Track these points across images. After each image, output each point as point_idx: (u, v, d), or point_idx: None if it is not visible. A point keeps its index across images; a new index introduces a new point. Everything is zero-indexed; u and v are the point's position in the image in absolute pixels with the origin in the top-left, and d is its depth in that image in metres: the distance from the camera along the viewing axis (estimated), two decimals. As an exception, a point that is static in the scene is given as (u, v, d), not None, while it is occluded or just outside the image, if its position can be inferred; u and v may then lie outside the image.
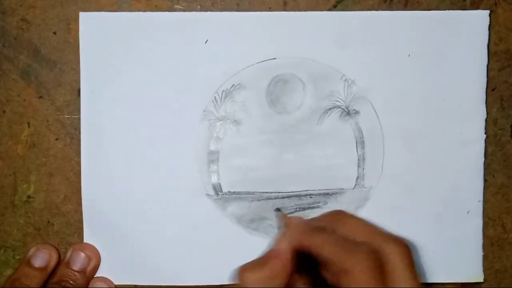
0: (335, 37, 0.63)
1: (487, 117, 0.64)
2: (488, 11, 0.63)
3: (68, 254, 0.63)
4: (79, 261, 0.62)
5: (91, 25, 0.62)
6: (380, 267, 0.49)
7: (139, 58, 0.62)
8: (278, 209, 0.64)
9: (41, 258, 0.62)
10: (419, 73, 0.63)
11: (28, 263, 0.62)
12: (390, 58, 0.63)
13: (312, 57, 0.63)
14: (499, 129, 0.65)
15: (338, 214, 0.55)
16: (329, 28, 0.62)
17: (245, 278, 0.51)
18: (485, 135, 0.64)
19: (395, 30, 0.63)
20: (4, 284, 0.62)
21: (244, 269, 0.52)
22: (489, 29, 0.63)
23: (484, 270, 0.65)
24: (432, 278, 0.64)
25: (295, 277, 0.53)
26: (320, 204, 0.64)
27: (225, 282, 0.64)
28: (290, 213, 0.64)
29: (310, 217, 0.57)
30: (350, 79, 0.63)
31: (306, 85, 0.63)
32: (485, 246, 0.65)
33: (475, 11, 0.63)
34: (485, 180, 0.65)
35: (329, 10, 0.63)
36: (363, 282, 0.48)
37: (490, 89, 0.64)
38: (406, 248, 0.51)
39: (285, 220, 0.56)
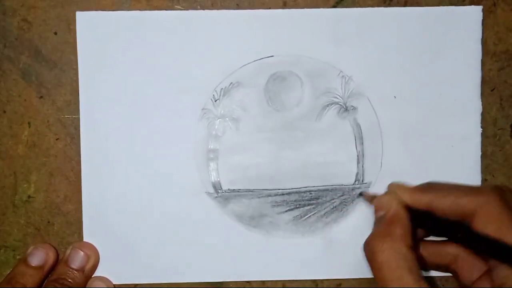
0: (332, 34, 0.63)
1: (487, 116, 0.64)
2: (481, 7, 0.63)
3: (67, 252, 0.63)
4: (78, 259, 0.62)
5: (88, 24, 0.62)
6: (506, 203, 0.51)
7: (137, 57, 0.63)
8: (362, 193, 0.64)
9: (38, 257, 0.62)
10: (415, 68, 0.63)
11: (25, 262, 0.62)
12: (387, 54, 0.63)
13: (309, 54, 0.63)
14: (498, 129, 0.65)
15: (430, 183, 0.59)
16: (326, 25, 0.63)
17: (379, 250, 0.51)
18: (481, 130, 0.64)
19: (391, 27, 0.63)
20: (1, 282, 0.61)
21: (373, 240, 0.52)
22: (483, 24, 0.63)
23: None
24: (432, 273, 0.64)
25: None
26: (320, 201, 0.64)
27: (225, 279, 0.64)
28: (290, 209, 0.64)
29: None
30: (347, 75, 0.63)
31: (304, 82, 0.63)
32: (485, 246, 0.65)
33: (468, 7, 0.63)
34: (484, 180, 0.65)
35: (328, 9, 0.63)
36: (495, 217, 0.50)
37: (490, 89, 0.64)
38: None
39: (391, 185, 0.59)
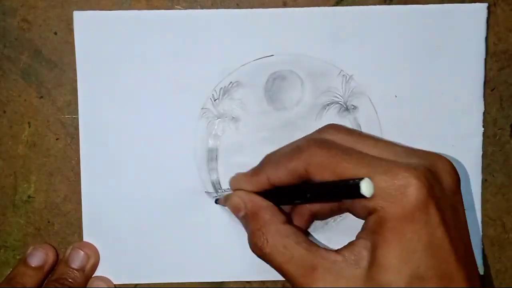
0: (333, 33, 0.63)
1: (487, 116, 0.64)
2: (486, 4, 0.63)
3: (67, 252, 0.63)
4: (78, 259, 0.62)
5: (86, 24, 0.62)
6: (327, 146, 0.49)
7: (136, 56, 0.63)
8: (216, 201, 0.63)
9: (38, 257, 0.62)
10: (417, 67, 0.63)
11: (25, 262, 0.62)
12: (388, 53, 0.63)
13: (310, 53, 0.63)
14: (498, 129, 0.65)
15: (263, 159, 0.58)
16: (326, 24, 0.63)
17: (263, 246, 0.51)
18: (483, 129, 0.64)
19: (392, 25, 0.63)
20: (1, 283, 0.62)
21: (254, 241, 0.51)
22: (487, 23, 0.63)
23: (484, 270, 0.65)
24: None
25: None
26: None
27: (225, 279, 0.64)
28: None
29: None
30: (347, 74, 0.63)
31: (304, 81, 0.63)
32: (485, 246, 0.65)
33: (472, 4, 0.63)
34: (485, 180, 0.65)
35: (328, 9, 0.64)
36: (321, 164, 0.48)
37: (490, 89, 0.64)
38: (454, 168, 0.49)
39: (231, 182, 0.59)
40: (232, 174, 0.63)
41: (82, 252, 0.62)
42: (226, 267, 0.64)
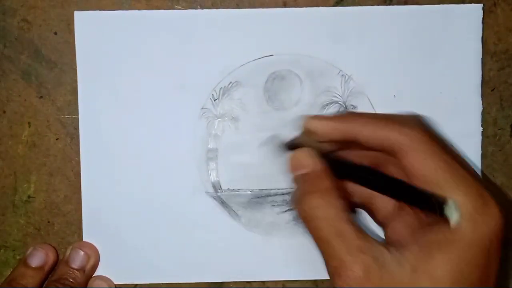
0: (331, 33, 0.63)
1: (486, 116, 0.64)
2: (481, 5, 0.63)
3: (67, 252, 0.63)
4: (78, 259, 0.62)
5: (87, 24, 0.62)
6: (430, 135, 0.49)
7: (136, 56, 0.63)
8: (272, 138, 0.62)
9: (38, 257, 0.62)
10: (415, 67, 0.63)
11: (25, 263, 0.62)
12: (387, 53, 0.63)
13: (309, 53, 0.63)
14: (498, 129, 0.65)
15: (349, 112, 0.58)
16: (325, 24, 0.63)
17: (315, 206, 0.48)
18: (482, 129, 0.64)
19: (391, 25, 0.63)
20: (1, 284, 0.62)
21: (306, 199, 0.49)
22: (483, 23, 0.63)
23: (485, 270, 0.65)
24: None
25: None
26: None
27: (226, 279, 0.64)
28: (290, 209, 0.64)
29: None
30: (347, 74, 0.63)
31: (303, 81, 0.63)
32: (485, 246, 0.65)
33: (468, 5, 0.63)
34: (485, 180, 0.64)
35: (328, 9, 0.64)
36: (424, 154, 0.48)
37: (490, 89, 0.64)
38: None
39: (305, 125, 0.54)
40: (232, 174, 0.63)
41: (82, 252, 0.62)
42: (226, 267, 0.64)
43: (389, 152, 0.49)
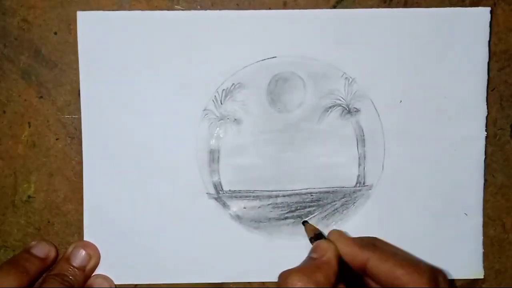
0: (335, 36, 0.63)
1: (487, 116, 0.64)
2: (489, 8, 0.63)
3: (69, 250, 0.63)
4: (79, 258, 0.62)
5: (89, 24, 0.62)
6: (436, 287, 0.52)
7: (138, 57, 0.62)
8: (306, 222, 0.64)
9: (42, 249, 0.62)
10: (420, 71, 0.63)
11: (28, 251, 0.62)
12: (391, 56, 0.63)
13: (312, 56, 0.63)
14: (498, 129, 0.65)
15: (376, 239, 0.59)
16: (329, 27, 0.63)
17: (294, 283, 0.51)
18: (486, 133, 0.64)
19: (395, 28, 0.63)
20: (3, 263, 0.61)
21: (292, 273, 0.52)
22: (490, 26, 0.63)
23: (485, 270, 0.65)
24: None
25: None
26: (321, 203, 0.64)
27: (226, 280, 0.64)
28: (291, 211, 0.64)
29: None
30: (350, 77, 0.63)
31: (307, 83, 0.63)
32: (485, 246, 0.65)
33: (475, 8, 0.63)
34: (485, 180, 0.65)
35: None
36: None
37: (490, 89, 0.64)
38: (451, 281, 0.57)
39: (332, 232, 0.59)
40: (234, 176, 0.63)
41: (84, 252, 0.62)
42: (227, 268, 0.64)
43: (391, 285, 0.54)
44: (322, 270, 0.53)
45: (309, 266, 0.54)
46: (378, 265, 0.53)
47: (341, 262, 0.55)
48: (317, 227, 0.63)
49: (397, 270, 0.52)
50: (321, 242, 0.57)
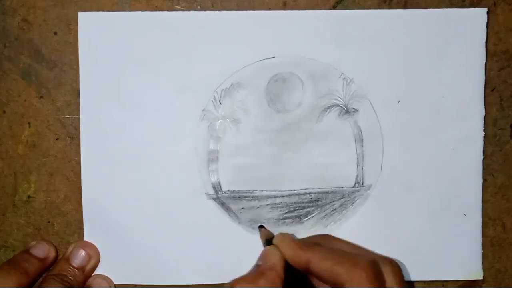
0: (334, 36, 0.63)
1: (486, 116, 0.64)
2: (486, 9, 0.63)
3: (69, 250, 0.63)
4: (79, 258, 0.62)
5: (90, 25, 0.62)
6: (379, 280, 0.51)
7: (138, 57, 0.63)
8: (261, 226, 0.64)
9: (41, 249, 0.62)
10: (418, 71, 0.63)
11: (28, 251, 0.62)
12: (389, 56, 0.63)
13: (311, 56, 0.63)
14: (498, 129, 0.65)
15: (326, 236, 0.60)
16: (328, 27, 0.63)
17: None
18: (484, 133, 0.64)
19: (393, 29, 0.63)
20: (3, 264, 0.61)
21: (239, 282, 0.53)
22: (487, 27, 0.63)
23: (484, 270, 0.65)
24: (432, 276, 0.65)
25: None
26: (320, 203, 0.64)
27: (225, 280, 0.64)
28: (289, 211, 0.64)
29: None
30: (348, 77, 0.63)
31: (305, 83, 0.63)
32: (485, 246, 0.65)
33: (473, 9, 0.63)
34: (485, 180, 0.65)
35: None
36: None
37: (490, 89, 0.64)
38: (399, 269, 0.54)
39: (276, 236, 0.58)
40: (233, 176, 0.63)
41: (84, 252, 0.62)
42: (226, 268, 0.64)
43: (333, 284, 0.53)
44: (265, 276, 0.53)
45: (252, 273, 0.54)
46: (319, 265, 0.53)
47: (289, 266, 0.55)
48: (318, 226, 0.63)
49: (336, 268, 0.52)
50: (266, 249, 0.57)
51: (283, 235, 0.58)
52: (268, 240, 0.59)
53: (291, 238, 0.57)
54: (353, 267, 0.51)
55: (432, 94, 0.63)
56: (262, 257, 0.56)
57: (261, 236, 0.62)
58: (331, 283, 0.52)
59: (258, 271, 0.54)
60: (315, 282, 0.56)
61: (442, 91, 0.63)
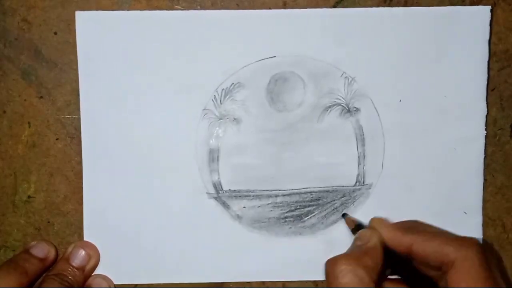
0: (335, 35, 0.63)
1: (487, 116, 0.64)
2: (489, 7, 0.63)
3: (69, 250, 0.63)
4: (79, 258, 0.62)
5: (88, 24, 0.62)
6: (487, 261, 0.51)
7: (137, 57, 0.63)
8: (345, 214, 0.64)
9: (41, 249, 0.62)
10: (419, 70, 0.63)
11: (28, 251, 0.62)
12: (390, 55, 0.63)
13: (312, 55, 0.63)
14: (498, 129, 0.65)
15: (417, 222, 0.61)
16: (329, 26, 0.63)
17: (345, 270, 0.51)
18: (485, 132, 0.64)
19: (395, 27, 0.63)
20: (2, 264, 0.61)
21: (341, 259, 0.52)
22: (490, 25, 0.63)
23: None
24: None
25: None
26: (321, 202, 0.64)
27: (226, 279, 0.64)
28: (290, 210, 0.64)
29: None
30: (350, 76, 0.63)
31: (306, 83, 0.63)
32: (485, 246, 0.65)
33: (476, 7, 0.63)
34: (485, 180, 0.65)
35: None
36: (474, 275, 0.51)
37: (490, 89, 0.64)
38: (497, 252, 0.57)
39: (373, 220, 0.60)
40: (233, 175, 0.63)
41: (84, 252, 0.62)
42: (227, 267, 0.64)
43: (440, 266, 0.53)
44: (369, 255, 0.53)
45: (356, 251, 0.54)
46: (424, 247, 0.53)
47: (386, 248, 0.55)
48: (318, 225, 0.63)
49: (444, 247, 0.52)
50: (364, 231, 0.57)
51: (380, 218, 0.59)
52: (358, 225, 0.60)
53: (388, 221, 0.58)
54: (461, 245, 0.52)
55: (434, 93, 0.63)
56: (361, 238, 0.56)
57: (348, 223, 0.63)
58: (438, 263, 0.52)
59: (361, 250, 0.54)
60: (418, 265, 0.56)
61: (444, 90, 0.63)
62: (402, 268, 0.57)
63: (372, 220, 0.59)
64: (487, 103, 0.64)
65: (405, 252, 0.55)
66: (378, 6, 0.63)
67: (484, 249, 0.52)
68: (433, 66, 0.63)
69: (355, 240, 0.57)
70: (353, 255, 0.53)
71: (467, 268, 0.50)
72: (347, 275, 0.51)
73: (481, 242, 0.55)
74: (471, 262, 0.51)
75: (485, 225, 0.65)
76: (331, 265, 0.52)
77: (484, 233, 0.65)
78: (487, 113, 0.64)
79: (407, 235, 0.55)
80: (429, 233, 0.55)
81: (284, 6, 0.63)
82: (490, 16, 0.63)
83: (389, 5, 0.63)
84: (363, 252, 0.54)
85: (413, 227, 0.57)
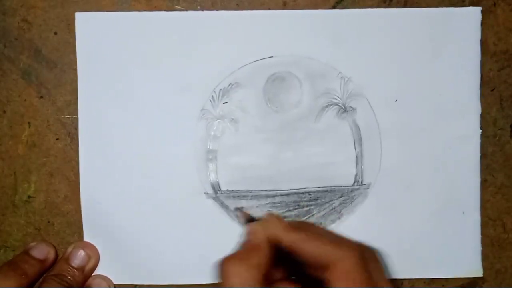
0: (331, 35, 0.63)
1: (487, 117, 0.64)
2: (479, 8, 0.63)
3: (69, 250, 0.63)
4: (79, 258, 0.62)
5: (88, 25, 0.63)
6: (365, 262, 0.51)
7: (136, 57, 0.63)
8: (239, 208, 0.64)
9: (41, 250, 0.62)
10: (415, 69, 0.63)
11: (27, 253, 0.62)
12: (386, 55, 0.63)
13: (309, 55, 0.63)
14: (498, 129, 0.65)
15: (307, 223, 0.61)
16: (325, 26, 0.63)
17: (230, 270, 0.50)
18: (481, 130, 0.64)
19: (390, 27, 0.63)
20: (2, 266, 0.61)
21: (230, 261, 0.51)
22: (481, 25, 0.64)
23: (485, 270, 0.65)
24: (431, 274, 0.64)
25: (272, 270, 0.54)
26: (319, 202, 0.64)
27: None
28: (288, 210, 0.64)
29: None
30: (346, 76, 0.63)
31: (303, 83, 0.63)
32: (485, 246, 0.65)
33: (467, 7, 0.64)
34: (485, 180, 0.65)
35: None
36: (351, 275, 0.50)
37: (490, 89, 0.64)
38: (380, 255, 0.53)
39: (264, 214, 0.56)
40: (231, 175, 0.64)
41: (83, 252, 0.62)
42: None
43: (321, 267, 0.52)
44: (256, 252, 0.52)
45: (243, 250, 0.53)
46: (304, 246, 0.52)
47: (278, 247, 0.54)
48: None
49: (323, 248, 0.51)
50: (253, 224, 0.55)
51: (270, 214, 0.57)
52: (249, 220, 0.58)
53: (278, 217, 0.56)
54: (340, 247, 0.51)
55: (429, 92, 0.64)
56: (250, 233, 0.55)
57: (240, 217, 0.62)
58: (318, 264, 0.52)
59: (248, 247, 0.53)
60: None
61: (439, 90, 0.64)
62: (299, 268, 0.55)
63: (266, 214, 0.57)
64: (485, 104, 0.64)
65: (289, 250, 0.54)
66: (378, 6, 0.63)
67: (363, 251, 0.51)
68: (428, 66, 0.63)
69: (243, 235, 0.55)
70: (241, 254, 0.52)
71: (343, 268, 0.50)
72: (231, 275, 0.50)
73: (369, 245, 0.53)
74: (348, 262, 0.50)
75: (485, 225, 0.65)
76: (219, 265, 0.51)
77: (484, 233, 0.65)
78: (487, 114, 0.64)
79: (291, 232, 0.53)
80: (312, 233, 0.53)
81: (284, 6, 0.63)
82: (481, 16, 0.63)
83: (389, 6, 0.63)
84: (249, 250, 0.53)
85: (300, 226, 0.56)
